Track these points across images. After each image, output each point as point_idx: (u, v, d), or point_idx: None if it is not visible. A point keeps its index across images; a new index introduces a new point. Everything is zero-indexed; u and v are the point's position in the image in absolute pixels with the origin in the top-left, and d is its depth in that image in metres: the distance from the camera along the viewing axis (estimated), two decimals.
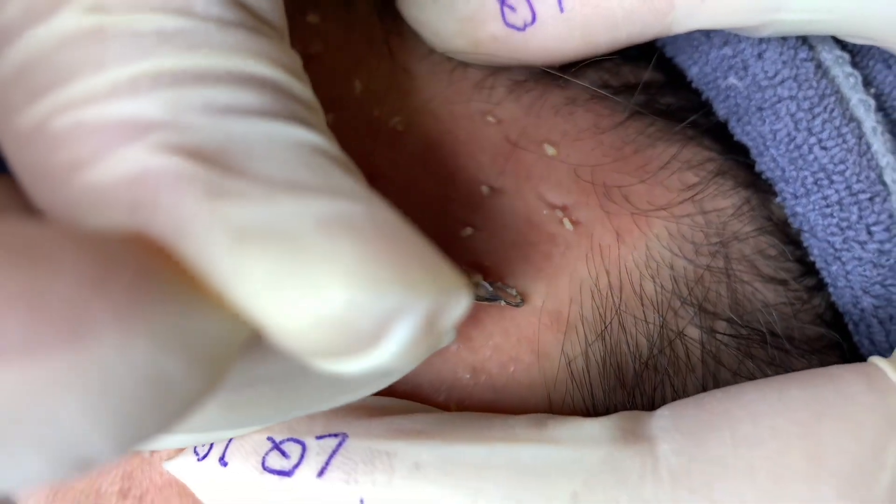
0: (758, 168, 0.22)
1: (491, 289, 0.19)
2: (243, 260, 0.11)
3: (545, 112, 0.21)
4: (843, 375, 0.17)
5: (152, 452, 0.19)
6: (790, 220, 0.22)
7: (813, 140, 0.21)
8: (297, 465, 0.17)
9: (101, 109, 0.12)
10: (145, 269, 0.11)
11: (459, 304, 0.13)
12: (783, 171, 0.22)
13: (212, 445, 0.17)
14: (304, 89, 0.14)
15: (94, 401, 0.10)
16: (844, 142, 0.21)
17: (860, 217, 0.21)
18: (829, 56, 0.22)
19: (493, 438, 0.17)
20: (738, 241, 0.21)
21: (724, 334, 0.20)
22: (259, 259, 0.11)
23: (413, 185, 0.20)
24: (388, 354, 0.12)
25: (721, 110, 0.23)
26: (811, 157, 0.21)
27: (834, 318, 0.23)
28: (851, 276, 0.22)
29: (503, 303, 0.19)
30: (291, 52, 0.14)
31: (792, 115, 0.21)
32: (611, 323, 0.20)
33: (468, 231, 0.20)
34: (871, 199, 0.21)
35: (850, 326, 0.23)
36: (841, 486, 0.15)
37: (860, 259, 0.21)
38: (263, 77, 0.13)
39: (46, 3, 0.13)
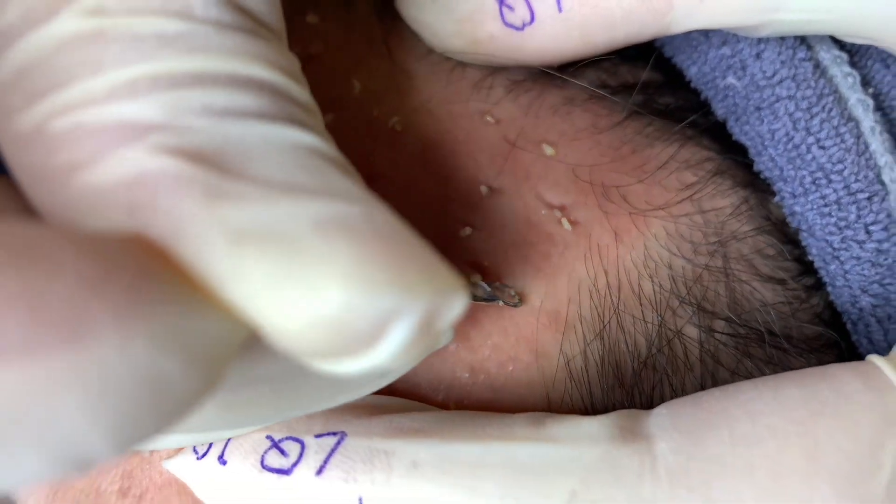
0: (756, 167, 0.22)
1: (489, 289, 0.19)
2: (241, 261, 0.11)
3: (543, 112, 0.21)
4: (841, 374, 0.17)
5: (152, 452, 0.19)
6: (788, 219, 0.22)
7: (811, 139, 0.21)
8: (295, 464, 0.17)
9: (100, 111, 0.12)
10: (144, 271, 0.11)
11: (456, 304, 0.13)
12: (781, 170, 0.22)
13: (211, 444, 0.18)
14: (301, 92, 0.14)
15: (94, 400, 0.10)
16: (842, 141, 0.21)
17: (858, 216, 0.21)
18: (828, 56, 0.22)
19: (491, 437, 0.17)
20: (737, 240, 0.21)
21: (723, 333, 0.21)
22: (257, 260, 0.11)
23: (412, 185, 0.20)
24: (386, 355, 0.12)
25: (719, 110, 0.23)
26: (809, 156, 0.21)
27: (832, 317, 0.23)
28: (850, 275, 0.22)
29: (501, 303, 0.19)
30: (289, 55, 0.14)
31: (790, 115, 0.21)
32: (609, 322, 0.20)
33: (467, 231, 0.20)
34: (869, 198, 0.21)
35: (849, 325, 0.23)
36: (838, 485, 0.15)
37: (858, 258, 0.21)
38: (261, 80, 0.13)
39: (46, 6, 0.13)
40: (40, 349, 0.10)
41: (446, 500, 0.16)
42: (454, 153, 0.21)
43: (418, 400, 0.19)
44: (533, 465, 0.16)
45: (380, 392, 0.18)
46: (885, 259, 0.21)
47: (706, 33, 0.22)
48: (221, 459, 0.17)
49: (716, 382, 0.20)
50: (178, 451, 0.18)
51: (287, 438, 0.17)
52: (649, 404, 0.20)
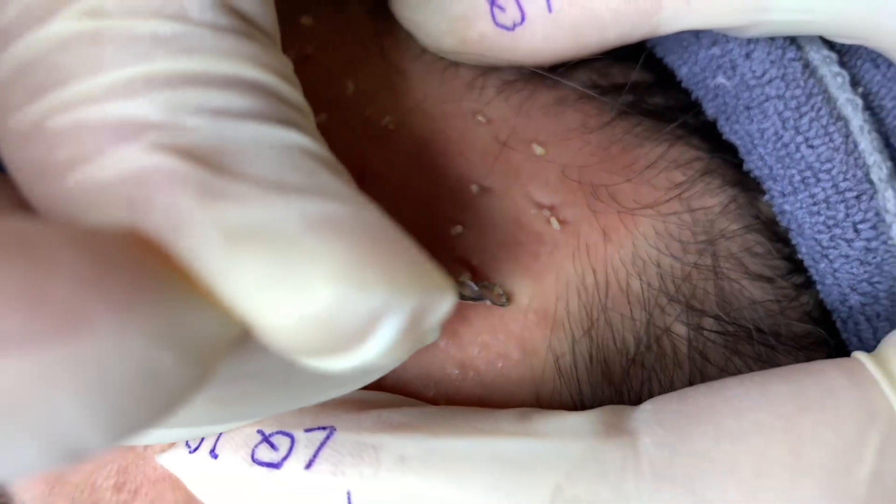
0: (746, 167, 0.22)
1: (477, 288, 0.19)
2: (235, 260, 0.12)
3: (534, 112, 0.22)
4: (826, 370, 0.17)
5: (146, 448, 0.19)
6: (778, 218, 0.22)
7: (800, 139, 0.21)
8: (285, 458, 0.17)
9: (97, 109, 0.12)
10: (140, 266, 0.11)
11: (444, 304, 0.13)
12: (771, 169, 0.22)
13: (203, 438, 0.18)
14: (294, 93, 0.14)
15: (90, 392, 0.10)
16: (831, 140, 0.21)
17: (847, 215, 0.21)
18: (817, 56, 0.22)
19: (479, 431, 0.17)
20: (726, 238, 0.21)
21: (711, 331, 0.21)
22: (250, 259, 0.12)
23: (404, 183, 0.20)
24: (374, 352, 0.12)
25: (710, 109, 0.23)
26: (798, 155, 0.21)
27: (822, 315, 0.23)
28: (839, 273, 0.22)
29: (489, 302, 0.19)
30: (283, 57, 0.15)
31: (779, 114, 0.21)
32: (597, 320, 0.20)
33: (458, 229, 0.20)
34: (857, 197, 0.21)
35: (839, 324, 0.23)
36: (821, 479, 0.16)
37: (847, 257, 0.22)
38: (255, 81, 0.14)
39: (44, 6, 0.13)
40: (38, 341, 0.10)
41: (433, 494, 0.16)
42: (446, 152, 0.21)
43: (409, 396, 0.19)
44: (519, 460, 0.16)
45: (370, 387, 0.19)
46: (874, 257, 0.21)
47: (696, 34, 0.23)
48: (213, 453, 0.17)
49: (704, 379, 0.20)
50: (171, 445, 0.18)
51: (277, 433, 0.17)
52: (638, 401, 0.20)
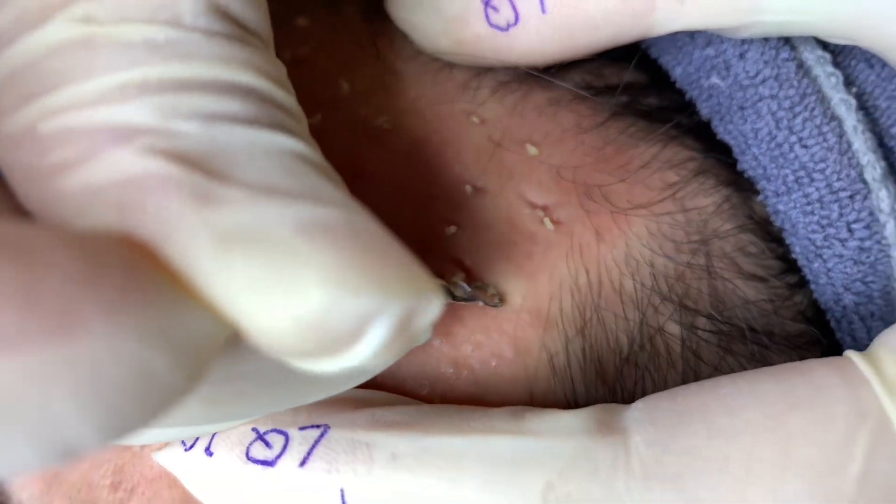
0: (740, 167, 0.22)
1: (469, 289, 0.19)
2: (227, 263, 0.12)
3: (528, 113, 0.22)
4: (817, 369, 0.17)
5: (143, 447, 0.19)
6: (772, 217, 0.22)
7: (794, 138, 0.21)
8: (279, 456, 0.17)
9: (90, 114, 0.13)
10: (133, 268, 0.11)
11: (433, 307, 0.13)
12: (764, 169, 0.22)
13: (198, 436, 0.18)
14: (287, 98, 0.15)
15: (84, 392, 0.10)
16: (825, 140, 0.21)
17: (841, 215, 0.21)
18: (811, 56, 0.22)
19: (472, 430, 0.17)
20: (719, 238, 0.21)
21: (705, 330, 0.21)
22: (242, 262, 0.12)
23: (399, 183, 0.21)
24: (364, 355, 0.12)
25: (704, 110, 0.23)
26: (792, 155, 0.22)
27: (816, 314, 0.23)
28: (832, 273, 0.22)
29: (481, 303, 0.19)
30: (276, 62, 0.15)
31: (773, 114, 0.22)
32: (590, 320, 0.20)
33: (452, 229, 0.20)
34: (851, 196, 0.21)
35: (833, 323, 0.23)
36: (810, 477, 0.16)
37: (841, 256, 0.22)
38: (248, 86, 0.14)
39: (38, 11, 0.13)
40: (33, 341, 0.10)
41: (426, 491, 0.16)
42: (440, 153, 0.21)
43: (404, 394, 0.19)
44: (512, 458, 0.17)
45: (365, 386, 0.19)
46: (868, 257, 0.22)
47: (691, 34, 0.23)
48: (208, 451, 0.18)
49: (698, 378, 0.20)
50: (167, 443, 0.19)
51: (272, 431, 0.17)
52: (632, 400, 0.20)
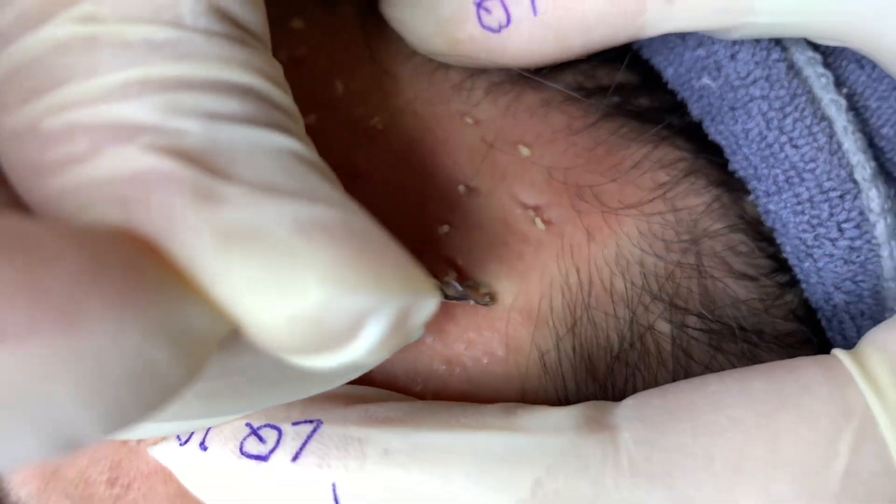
0: (731, 167, 0.23)
1: (461, 289, 0.19)
2: (227, 260, 0.12)
3: (521, 114, 0.22)
4: (804, 367, 0.17)
5: (139, 443, 0.20)
6: (763, 217, 0.22)
7: (784, 139, 0.22)
8: (272, 450, 0.17)
9: (93, 111, 0.13)
10: (135, 263, 0.12)
11: (427, 305, 0.13)
12: (755, 169, 0.22)
13: (193, 431, 0.18)
14: (284, 97, 0.15)
15: (86, 384, 0.11)
16: (815, 140, 0.21)
17: (831, 214, 0.22)
18: (802, 57, 0.22)
19: (463, 426, 0.17)
20: (710, 238, 0.22)
21: (695, 329, 0.21)
22: (241, 260, 0.12)
23: (393, 183, 0.21)
24: (360, 351, 0.13)
25: (695, 110, 0.23)
26: (782, 155, 0.22)
27: (807, 313, 0.23)
28: (823, 272, 0.22)
29: (472, 302, 0.19)
30: (274, 62, 0.15)
31: (763, 115, 0.22)
32: (580, 318, 0.20)
33: (445, 229, 0.20)
34: (841, 196, 0.21)
35: (823, 322, 0.23)
36: (795, 474, 0.16)
37: (831, 256, 0.22)
38: (247, 85, 0.14)
39: (39, 11, 0.13)
40: (38, 334, 0.10)
41: (417, 487, 0.16)
42: (434, 153, 0.21)
43: (397, 391, 0.20)
44: (502, 454, 0.17)
45: (358, 382, 0.19)
46: (858, 256, 0.22)
47: (682, 35, 0.23)
48: (202, 445, 0.18)
49: (688, 377, 0.21)
50: (163, 438, 0.19)
51: (265, 426, 0.18)
52: (622, 398, 0.20)
